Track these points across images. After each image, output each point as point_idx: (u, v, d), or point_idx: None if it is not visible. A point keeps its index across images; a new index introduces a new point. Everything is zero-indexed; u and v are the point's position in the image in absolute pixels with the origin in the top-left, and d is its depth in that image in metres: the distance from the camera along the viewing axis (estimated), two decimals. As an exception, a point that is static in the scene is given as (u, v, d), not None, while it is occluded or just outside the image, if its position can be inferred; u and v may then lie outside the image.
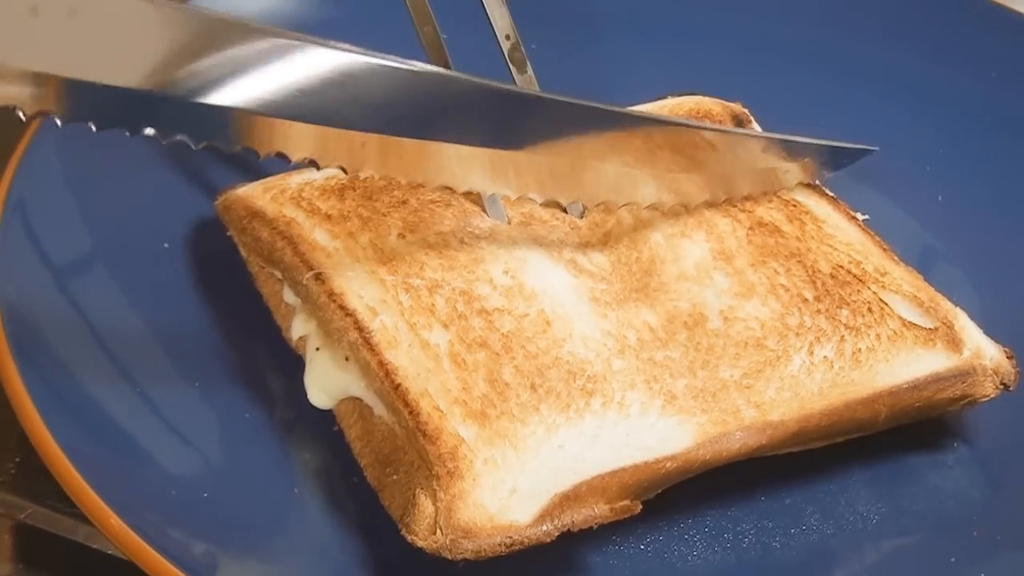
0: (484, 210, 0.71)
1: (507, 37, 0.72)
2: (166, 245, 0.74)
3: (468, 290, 0.65)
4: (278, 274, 0.70)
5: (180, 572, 0.57)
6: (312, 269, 0.66)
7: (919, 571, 0.66)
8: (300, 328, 0.68)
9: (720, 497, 0.66)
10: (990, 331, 0.72)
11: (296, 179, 0.72)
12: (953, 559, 0.65)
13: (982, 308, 0.77)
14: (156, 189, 0.77)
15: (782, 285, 0.70)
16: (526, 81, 0.73)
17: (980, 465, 0.71)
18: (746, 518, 0.66)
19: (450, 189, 0.63)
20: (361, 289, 0.65)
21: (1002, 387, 0.69)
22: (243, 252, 0.73)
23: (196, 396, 0.67)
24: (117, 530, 0.58)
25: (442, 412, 0.60)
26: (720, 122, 0.81)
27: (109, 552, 0.65)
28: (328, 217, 0.69)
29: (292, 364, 0.68)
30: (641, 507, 0.61)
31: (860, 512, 0.68)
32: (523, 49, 0.73)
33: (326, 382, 0.66)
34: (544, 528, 0.59)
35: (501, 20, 0.72)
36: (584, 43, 0.93)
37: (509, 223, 0.71)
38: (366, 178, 0.71)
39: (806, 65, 0.93)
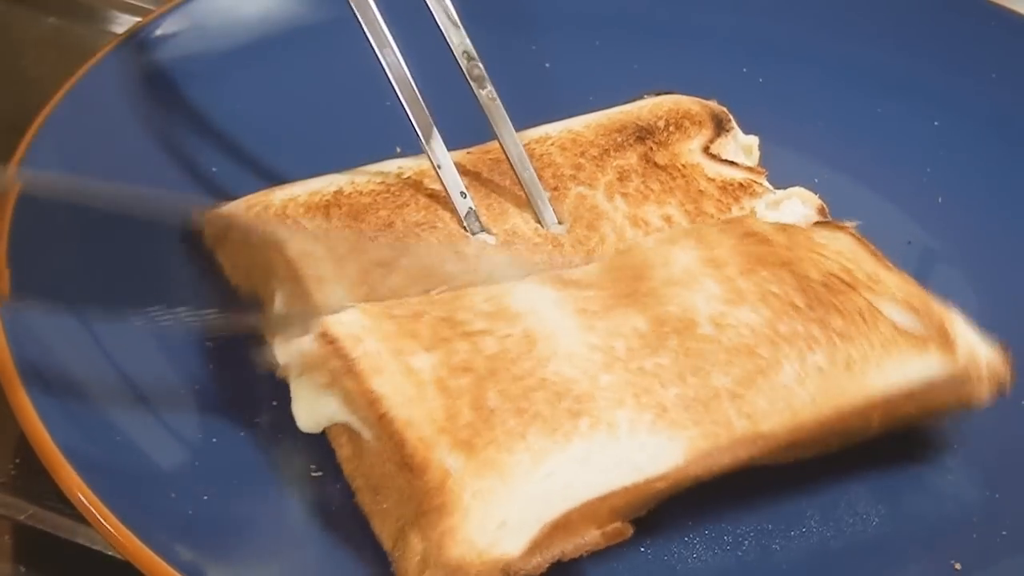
0: (465, 229, 0.71)
1: (464, 54, 0.73)
2: (167, 246, 0.74)
3: (451, 316, 0.64)
4: (261, 289, 0.69)
5: (179, 574, 0.57)
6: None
7: (919, 573, 0.66)
8: (282, 355, 0.67)
9: (720, 499, 0.66)
10: (989, 332, 0.71)
11: (279, 195, 0.72)
12: (953, 561, 0.65)
13: (981, 309, 0.77)
14: (157, 190, 0.76)
15: (772, 293, 0.68)
16: (486, 96, 0.74)
17: (980, 467, 0.71)
18: (746, 520, 0.66)
19: None
20: (343, 316, 0.64)
21: (997, 391, 0.69)
22: (227, 270, 0.72)
23: (197, 398, 0.67)
24: (116, 532, 0.58)
25: (428, 443, 0.59)
26: (700, 123, 0.80)
27: (109, 553, 0.65)
28: (315, 238, 0.68)
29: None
30: (633, 529, 0.61)
31: (860, 514, 0.68)
32: (481, 66, 0.74)
33: (312, 408, 0.65)
34: (535, 560, 0.59)
35: (457, 39, 0.73)
36: (564, 43, 0.93)
37: (492, 235, 0.71)
38: (350, 194, 0.72)
39: (806, 66, 0.93)
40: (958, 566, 0.65)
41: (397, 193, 0.73)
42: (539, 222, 0.73)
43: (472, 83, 0.73)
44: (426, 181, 0.74)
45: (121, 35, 0.82)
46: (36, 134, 0.75)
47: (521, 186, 0.74)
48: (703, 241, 0.71)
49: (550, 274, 0.68)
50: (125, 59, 0.81)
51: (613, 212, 0.74)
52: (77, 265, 0.71)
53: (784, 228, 0.73)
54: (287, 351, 0.67)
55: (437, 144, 0.72)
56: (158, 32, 0.83)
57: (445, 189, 0.72)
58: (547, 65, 0.91)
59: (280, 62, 0.85)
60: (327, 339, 0.62)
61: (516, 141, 0.74)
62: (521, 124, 0.79)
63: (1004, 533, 0.67)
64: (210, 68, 0.83)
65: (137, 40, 0.82)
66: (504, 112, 0.74)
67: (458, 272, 0.69)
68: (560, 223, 0.73)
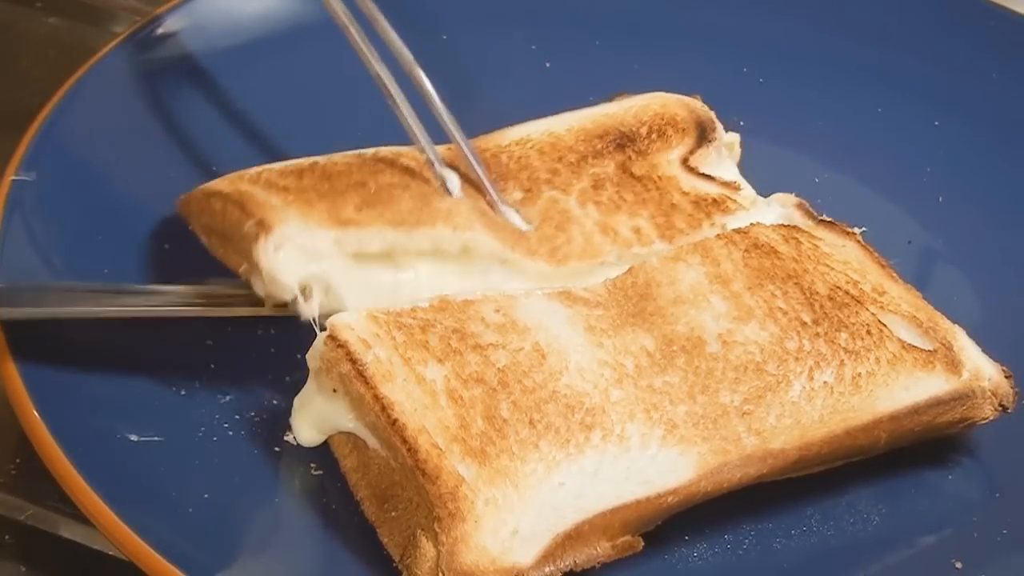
0: (444, 189, 0.72)
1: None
2: (167, 246, 0.74)
3: (461, 328, 0.64)
4: (232, 248, 0.69)
5: (180, 573, 0.57)
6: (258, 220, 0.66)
7: (920, 572, 0.66)
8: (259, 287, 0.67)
9: (720, 498, 0.66)
10: (990, 333, 0.72)
11: (256, 168, 0.72)
12: (954, 560, 0.65)
13: (982, 309, 0.77)
14: (157, 190, 0.76)
15: (780, 308, 0.68)
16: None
17: (980, 466, 0.71)
18: (746, 519, 0.66)
19: None
20: (351, 320, 0.64)
21: (1000, 409, 0.69)
22: (204, 240, 0.71)
23: (198, 397, 0.67)
24: (117, 530, 0.58)
25: (441, 450, 0.60)
26: (683, 130, 0.79)
27: (109, 552, 0.65)
28: (284, 188, 0.69)
29: (297, 367, 0.68)
30: (643, 543, 0.61)
31: (860, 513, 0.68)
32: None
33: (317, 417, 0.65)
34: (547, 570, 0.59)
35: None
36: (564, 43, 0.93)
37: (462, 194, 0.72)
38: (325, 164, 0.72)
39: (806, 65, 0.93)
40: (959, 565, 0.65)
41: (372, 163, 0.73)
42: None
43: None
44: (402, 159, 0.73)
45: (121, 35, 0.82)
46: (36, 134, 0.75)
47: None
48: (709, 256, 0.71)
49: (558, 291, 0.68)
50: (125, 59, 0.81)
51: (584, 218, 0.74)
52: (79, 256, 0.71)
53: (790, 236, 0.73)
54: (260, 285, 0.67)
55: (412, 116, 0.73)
56: (158, 32, 0.83)
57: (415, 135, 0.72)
58: (547, 65, 0.91)
59: (280, 61, 0.85)
60: (336, 343, 0.62)
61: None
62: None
63: (1005, 532, 0.67)
64: (210, 67, 0.83)
65: (137, 40, 0.82)
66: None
67: (429, 217, 0.69)
68: (528, 223, 0.73)
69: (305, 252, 0.67)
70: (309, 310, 0.67)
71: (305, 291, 0.67)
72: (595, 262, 0.72)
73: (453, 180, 0.72)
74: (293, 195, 0.69)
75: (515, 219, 0.73)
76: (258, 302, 0.68)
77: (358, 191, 0.70)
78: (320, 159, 0.73)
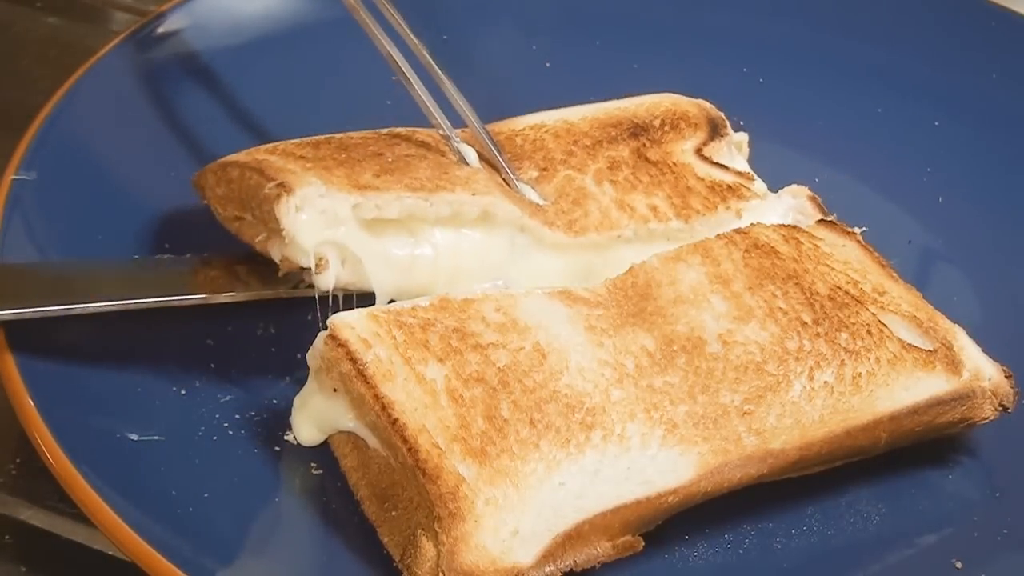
0: (457, 156, 0.73)
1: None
2: (167, 245, 0.74)
3: (461, 327, 0.64)
4: (249, 216, 0.69)
5: (181, 572, 0.57)
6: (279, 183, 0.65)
7: (920, 572, 0.66)
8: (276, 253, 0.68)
9: (720, 498, 0.66)
10: (990, 333, 0.72)
11: (269, 144, 0.72)
12: (954, 560, 0.65)
13: (982, 309, 0.77)
14: (157, 190, 0.77)
15: (780, 308, 0.68)
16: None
17: (981, 466, 0.71)
18: (747, 519, 0.66)
19: None
20: (353, 321, 0.64)
21: (1001, 409, 0.69)
22: (219, 213, 0.71)
23: (198, 397, 0.67)
24: (117, 530, 0.58)
25: (441, 450, 0.60)
26: (695, 125, 0.80)
27: (109, 553, 0.65)
28: (302, 157, 0.69)
29: (297, 366, 0.68)
30: (643, 543, 0.62)
31: (861, 512, 0.68)
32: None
33: (317, 416, 0.65)
34: (547, 570, 0.59)
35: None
36: (564, 43, 0.93)
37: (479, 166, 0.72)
38: (342, 137, 0.72)
39: (806, 66, 0.93)
40: (959, 565, 0.65)
41: (388, 137, 0.74)
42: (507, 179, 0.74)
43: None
44: (417, 135, 0.74)
45: (121, 34, 0.82)
46: (36, 134, 0.75)
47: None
48: (709, 256, 0.71)
49: (558, 290, 0.68)
50: (125, 58, 0.81)
51: (600, 195, 0.75)
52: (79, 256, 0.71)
53: (791, 236, 0.73)
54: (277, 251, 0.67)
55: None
56: (158, 31, 0.84)
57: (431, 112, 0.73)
58: (547, 65, 0.91)
59: (281, 61, 0.85)
60: (336, 342, 0.62)
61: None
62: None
63: (1005, 532, 0.67)
64: (210, 67, 0.84)
65: (137, 39, 0.82)
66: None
67: (448, 183, 0.69)
68: (545, 199, 0.74)
69: (325, 215, 0.67)
70: (324, 281, 0.67)
71: (320, 263, 0.67)
72: (612, 234, 0.73)
73: (470, 154, 0.73)
74: (311, 163, 0.69)
75: (532, 195, 0.74)
76: (266, 286, 0.69)
77: (376, 160, 0.71)
78: (335, 135, 0.73)
